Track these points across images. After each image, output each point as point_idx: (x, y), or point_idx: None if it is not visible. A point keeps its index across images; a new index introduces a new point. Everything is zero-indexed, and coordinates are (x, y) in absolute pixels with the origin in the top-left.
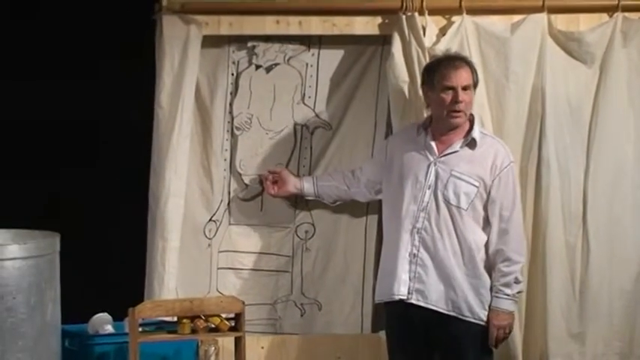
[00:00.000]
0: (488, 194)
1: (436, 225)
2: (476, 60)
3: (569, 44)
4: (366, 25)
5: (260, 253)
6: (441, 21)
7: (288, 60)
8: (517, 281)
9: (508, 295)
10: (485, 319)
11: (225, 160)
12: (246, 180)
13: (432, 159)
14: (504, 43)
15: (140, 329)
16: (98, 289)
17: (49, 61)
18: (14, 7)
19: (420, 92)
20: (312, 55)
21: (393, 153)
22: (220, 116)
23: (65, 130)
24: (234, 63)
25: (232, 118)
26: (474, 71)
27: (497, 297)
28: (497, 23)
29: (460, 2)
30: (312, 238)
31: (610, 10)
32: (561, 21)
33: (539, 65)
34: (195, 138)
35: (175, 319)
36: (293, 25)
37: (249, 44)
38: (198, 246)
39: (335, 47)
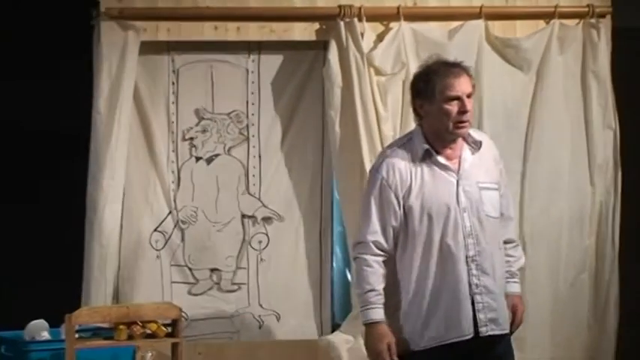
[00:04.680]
0: (499, 190)
1: (487, 246)
2: (413, 66)
3: (506, 51)
4: (304, 32)
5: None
6: (379, 27)
7: (229, 150)
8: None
9: (519, 279)
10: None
11: (172, 172)
12: (197, 275)
13: (454, 179)
14: (442, 49)
15: (77, 335)
16: (34, 295)
17: None
18: None
19: (412, 106)
20: (253, 61)
21: (403, 186)
22: (163, 123)
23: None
24: (174, 72)
25: (177, 128)
26: (471, 76)
27: (516, 282)
28: (434, 29)
29: (398, 9)
30: (266, 248)
31: (547, 16)
32: (498, 27)
33: (476, 71)
34: (137, 145)
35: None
36: (231, 31)
37: (187, 136)
38: (144, 256)
39: (275, 53)
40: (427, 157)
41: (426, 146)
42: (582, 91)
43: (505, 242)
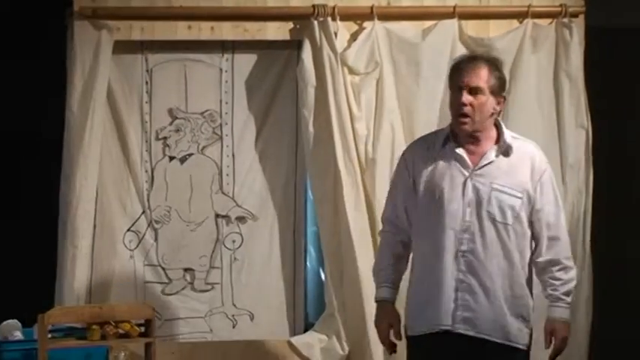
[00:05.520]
0: (533, 204)
1: (482, 246)
2: (387, 66)
3: (480, 50)
4: (277, 31)
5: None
6: (353, 27)
7: (202, 149)
8: (574, 288)
9: (569, 303)
10: (526, 342)
11: (146, 171)
12: (171, 274)
13: (466, 173)
14: (415, 48)
15: (50, 335)
16: (7, 295)
17: None
18: None
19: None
20: (227, 60)
21: (417, 170)
22: (136, 123)
23: None
24: (147, 71)
25: (150, 128)
26: (495, 75)
27: (559, 307)
28: (408, 29)
29: (371, 8)
30: (240, 248)
31: (520, 16)
32: (472, 27)
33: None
34: (111, 145)
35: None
36: (205, 31)
37: (161, 136)
38: (116, 255)
39: (249, 52)
40: (447, 146)
41: (447, 133)
42: (555, 90)
43: (552, 264)
